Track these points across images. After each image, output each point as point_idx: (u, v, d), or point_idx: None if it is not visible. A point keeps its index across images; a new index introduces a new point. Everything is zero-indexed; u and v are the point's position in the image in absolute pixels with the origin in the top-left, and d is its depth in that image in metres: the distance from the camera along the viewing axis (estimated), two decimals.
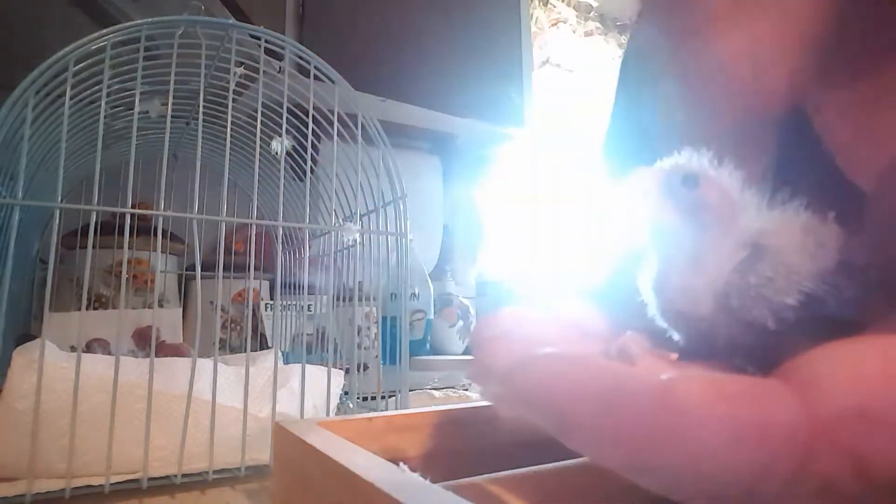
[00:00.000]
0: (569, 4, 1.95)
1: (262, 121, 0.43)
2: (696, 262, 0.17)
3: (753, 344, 0.16)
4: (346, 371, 0.51)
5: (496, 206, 1.44)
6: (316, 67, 0.45)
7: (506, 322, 0.17)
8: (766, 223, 0.17)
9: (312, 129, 0.50)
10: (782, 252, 0.16)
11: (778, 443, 0.11)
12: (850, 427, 0.10)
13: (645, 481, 0.11)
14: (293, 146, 0.51)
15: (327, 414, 0.44)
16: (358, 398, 0.53)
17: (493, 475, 0.22)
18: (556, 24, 1.91)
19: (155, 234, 0.47)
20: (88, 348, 0.58)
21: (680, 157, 0.18)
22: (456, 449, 0.26)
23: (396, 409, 0.47)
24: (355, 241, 0.50)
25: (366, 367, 0.61)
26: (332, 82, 0.46)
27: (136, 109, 0.39)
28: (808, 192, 0.17)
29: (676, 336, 0.18)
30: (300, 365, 0.43)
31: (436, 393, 0.71)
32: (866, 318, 0.15)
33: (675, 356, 0.18)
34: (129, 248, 0.52)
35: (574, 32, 1.96)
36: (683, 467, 0.11)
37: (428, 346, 1.12)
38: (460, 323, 1.20)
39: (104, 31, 0.38)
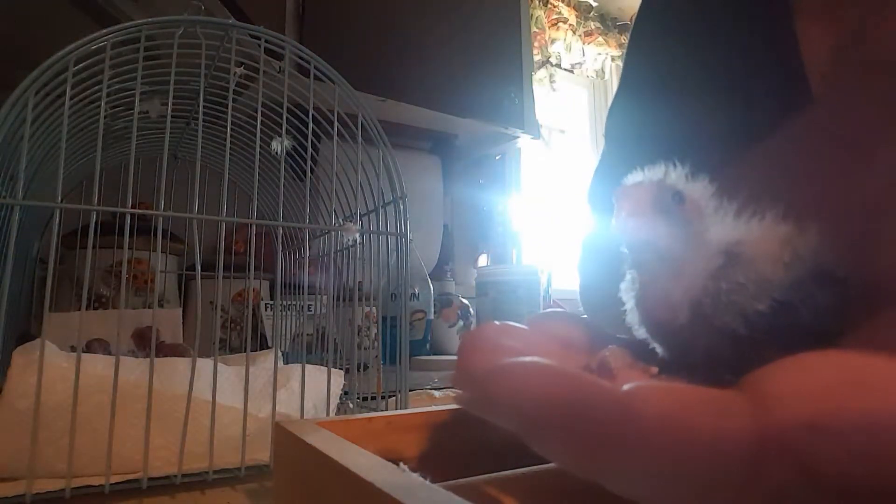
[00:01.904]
0: (569, 4, 1.95)
1: (262, 121, 0.43)
2: (676, 273, 0.17)
3: (729, 353, 0.16)
4: (346, 371, 0.52)
5: (501, 205, 1.44)
6: (316, 67, 0.45)
7: (490, 334, 0.17)
8: (743, 233, 0.17)
9: (312, 129, 0.50)
10: (756, 260, 0.16)
11: (728, 452, 0.11)
12: (799, 438, 0.11)
13: (608, 486, 0.12)
14: (293, 146, 0.51)
15: (327, 414, 0.44)
16: (358, 398, 0.53)
17: (493, 475, 0.22)
18: (555, 24, 1.91)
19: (155, 234, 0.47)
20: (89, 348, 0.58)
21: (656, 170, 0.18)
22: (456, 449, 0.26)
23: (396, 409, 0.47)
24: (355, 241, 0.50)
25: (366, 367, 0.61)
26: (332, 82, 0.46)
27: (136, 109, 0.39)
28: (787, 204, 0.17)
29: (659, 349, 0.19)
30: (300, 365, 0.43)
31: (436, 393, 0.71)
32: (842, 329, 0.15)
33: (655, 370, 0.18)
34: (129, 248, 0.52)
35: (574, 32, 1.96)
36: (640, 475, 0.11)
37: (428, 346, 1.12)
38: (460, 323, 1.20)
39: (104, 31, 0.38)
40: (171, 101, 0.41)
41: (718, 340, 0.17)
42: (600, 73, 2.04)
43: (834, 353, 0.12)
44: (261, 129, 0.43)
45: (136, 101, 0.39)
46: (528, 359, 0.13)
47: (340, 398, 0.50)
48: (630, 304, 0.19)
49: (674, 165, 0.18)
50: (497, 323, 0.17)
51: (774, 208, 0.17)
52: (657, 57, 0.43)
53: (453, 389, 0.17)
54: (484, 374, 0.13)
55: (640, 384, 0.12)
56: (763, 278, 0.16)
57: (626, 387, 0.12)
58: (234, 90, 0.46)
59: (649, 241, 0.17)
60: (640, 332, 0.19)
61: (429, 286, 1.12)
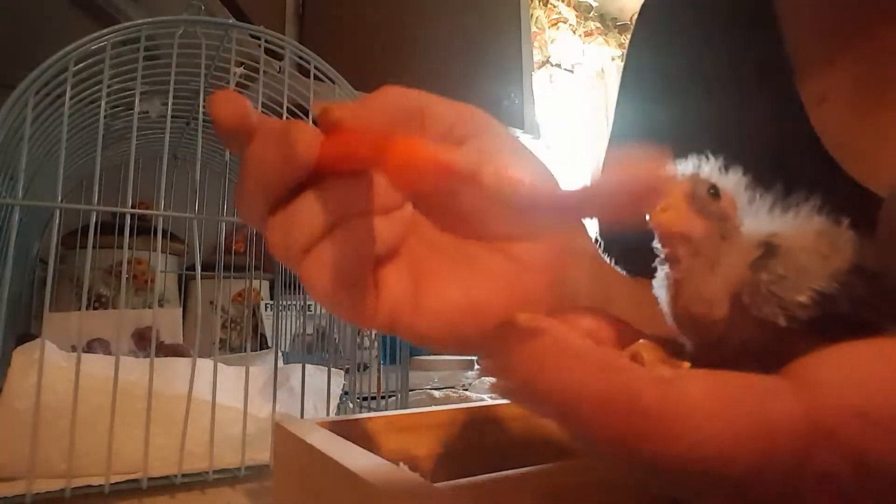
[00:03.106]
0: (569, 4, 1.95)
1: None
2: (713, 267, 0.17)
3: (767, 345, 0.16)
4: (346, 371, 0.51)
5: None
6: (316, 67, 0.45)
7: (520, 326, 0.17)
8: (779, 225, 0.17)
9: None
10: (794, 251, 0.16)
11: (777, 438, 0.11)
12: (851, 426, 0.11)
13: (650, 477, 0.12)
14: None
15: (327, 414, 0.44)
16: (358, 398, 0.53)
17: (493, 475, 0.22)
18: (556, 24, 1.91)
19: (155, 234, 0.47)
20: (90, 348, 0.58)
21: (689, 164, 0.18)
22: (456, 449, 0.26)
23: (396, 409, 0.47)
24: None
25: (366, 367, 0.61)
26: (332, 82, 0.46)
27: (136, 109, 0.39)
28: (821, 195, 0.17)
29: (689, 344, 0.19)
30: (300, 365, 0.43)
31: (436, 393, 0.71)
32: (881, 322, 0.15)
33: (687, 364, 0.18)
34: (129, 248, 0.52)
35: (574, 32, 1.96)
36: (685, 462, 0.11)
37: None
38: None
39: (104, 31, 0.38)
40: (171, 101, 0.41)
41: (757, 332, 0.16)
42: (600, 72, 2.04)
43: (880, 342, 0.12)
44: None
45: (136, 101, 0.39)
46: (567, 346, 0.13)
47: (340, 398, 0.50)
48: (663, 300, 0.19)
49: (706, 158, 0.18)
50: (524, 314, 0.17)
51: (809, 201, 0.17)
52: (658, 55, 0.44)
53: (488, 378, 0.16)
54: (522, 363, 0.13)
55: (679, 371, 0.12)
56: (803, 269, 0.16)
57: (665, 373, 0.12)
58: (234, 90, 0.46)
59: (685, 236, 0.17)
60: (673, 327, 0.19)
61: None
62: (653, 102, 0.43)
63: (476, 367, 0.85)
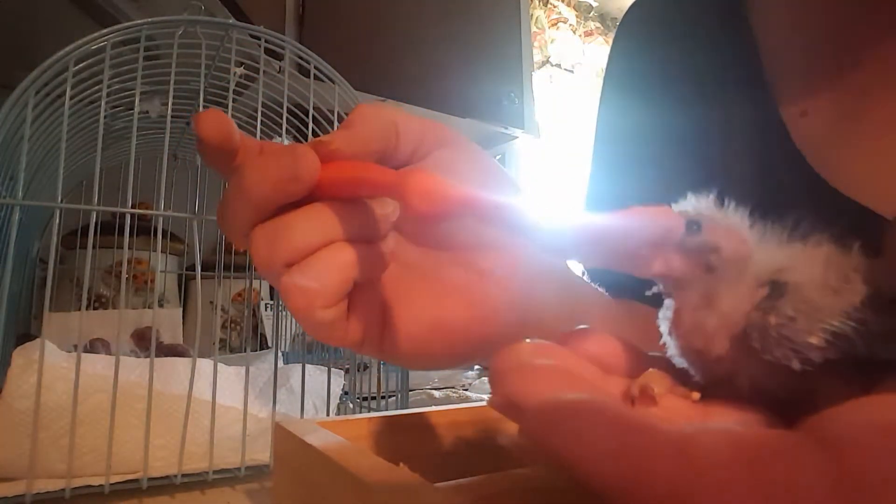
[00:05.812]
0: (569, 4, 1.95)
1: (262, 121, 0.43)
2: (708, 302, 0.17)
3: (778, 385, 0.16)
4: (346, 371, 0.51)
5: None
6: (316, 67, 0.45)
7: (526, 356, 0.17)
8: (786, 258, 0.17)
9: (312, 129, 0.50)
10: (803, 289, 0.16)
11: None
12: (885, 494, 0.10)
13: None
14: None
15: (327, 414, 0.44)
16: (358, 398, 0.53)
17: (493, 475, 0.22)
18: (556, 24, 1.91)
19: (155, 234, 0.47)
20: (92, 348, 0.58)
21: (681, 203, 0.18)
22: (456, 449, 0.26)
23: (396, 409, 0.47)
24: None
25: (366, 367, 0.61)
26: (332, 82, 0.46)
27: (136, 109, 0.39)
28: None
29: (696, 375, 0.18)
30: (300, 365, 0.43)
31: (436, 393, 0.71)
32: None
33: (697, 395, 0.18)
34: (129, 248, 0.52)
35: (574, 32, 1.96)
36: None
37: None
38: None
39: (104, 31, 0.38)
40: (171, 101, 0.41)
41: (768, 373, 0.16)
42: (600, 72, 2.04)
43: None
44: (261, 129, 0.43)
45: (136, 101, 0.39)
46: (579, 397, 0.12)
47: (340, 398, 0.50)
48: (665, 332, 0.18)
49: (698, 195, 0.18)
50: (529, 341, 0.17)
51: (816, 231, 0.17)
52: (639, 71, 0.44)
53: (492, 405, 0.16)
54: (534, 410, 0.13)
55: (701, 427, 0.11)
56: (813, 308, 0.15)
57: (686, 428, 0.11)
58: (234, 90, 0.46)
59: (671, 273, 0.17)
60: (678, 361, 0.18)
61: None
62: (636, 118, 0.44)
63: (476, 367, 0.85)
